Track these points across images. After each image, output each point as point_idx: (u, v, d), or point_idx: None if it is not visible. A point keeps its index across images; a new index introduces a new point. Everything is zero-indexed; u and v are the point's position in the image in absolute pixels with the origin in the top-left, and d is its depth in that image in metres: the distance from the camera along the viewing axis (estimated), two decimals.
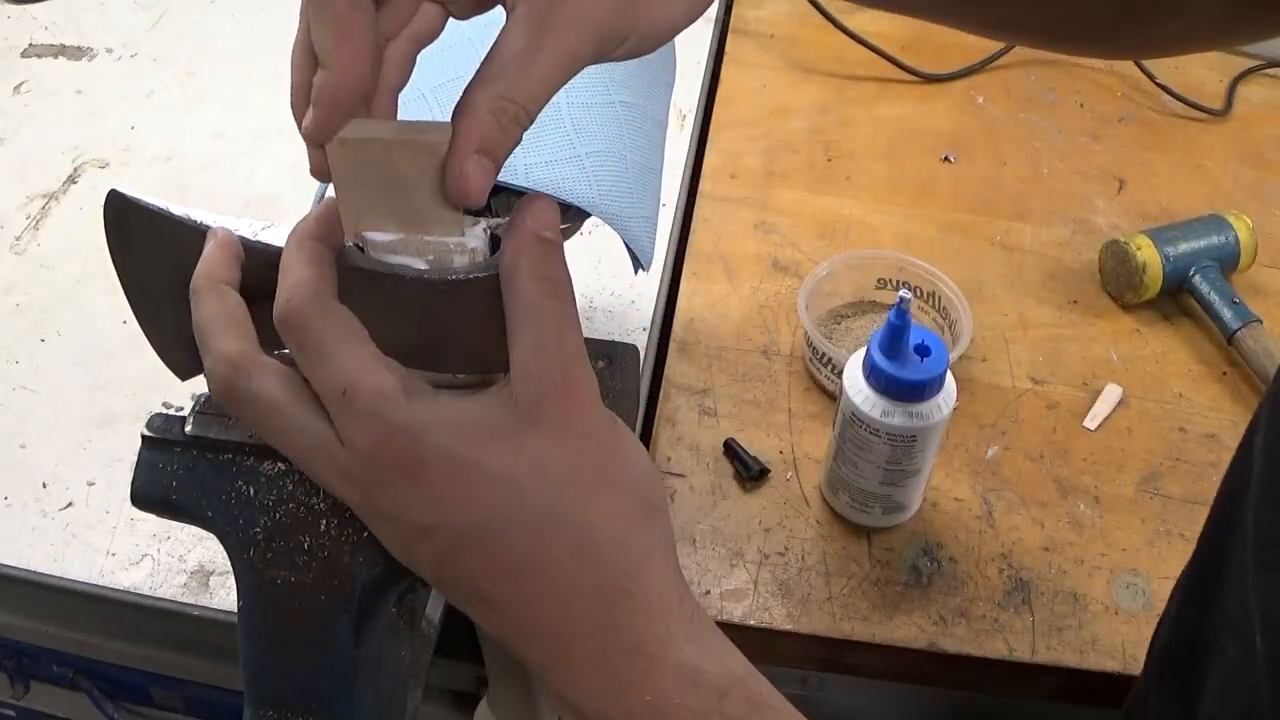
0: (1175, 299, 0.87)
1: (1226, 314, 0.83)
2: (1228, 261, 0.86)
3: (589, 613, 0.39)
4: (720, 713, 0.38)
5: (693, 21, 0.40)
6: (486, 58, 0.37)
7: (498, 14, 0.63)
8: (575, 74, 0.38)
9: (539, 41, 0.37)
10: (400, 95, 0.58)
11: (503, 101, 0.36)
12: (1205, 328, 0.86)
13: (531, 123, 0.38)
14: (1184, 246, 0.85)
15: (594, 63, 0.38)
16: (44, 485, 0.73)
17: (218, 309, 0.41)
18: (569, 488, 0.38)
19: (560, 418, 0.38)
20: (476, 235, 0.41)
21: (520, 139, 0.38)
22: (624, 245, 0.59)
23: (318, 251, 0.40)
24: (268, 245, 0.45)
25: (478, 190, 0.37)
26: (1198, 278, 0.85)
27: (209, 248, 0.42)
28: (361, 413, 0.38)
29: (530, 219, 0.40)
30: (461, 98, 0.37)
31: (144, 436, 0.50)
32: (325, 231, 0.41)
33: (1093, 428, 0.79)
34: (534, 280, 0.39)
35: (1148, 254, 0.84)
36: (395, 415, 0.38)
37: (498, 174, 0.38)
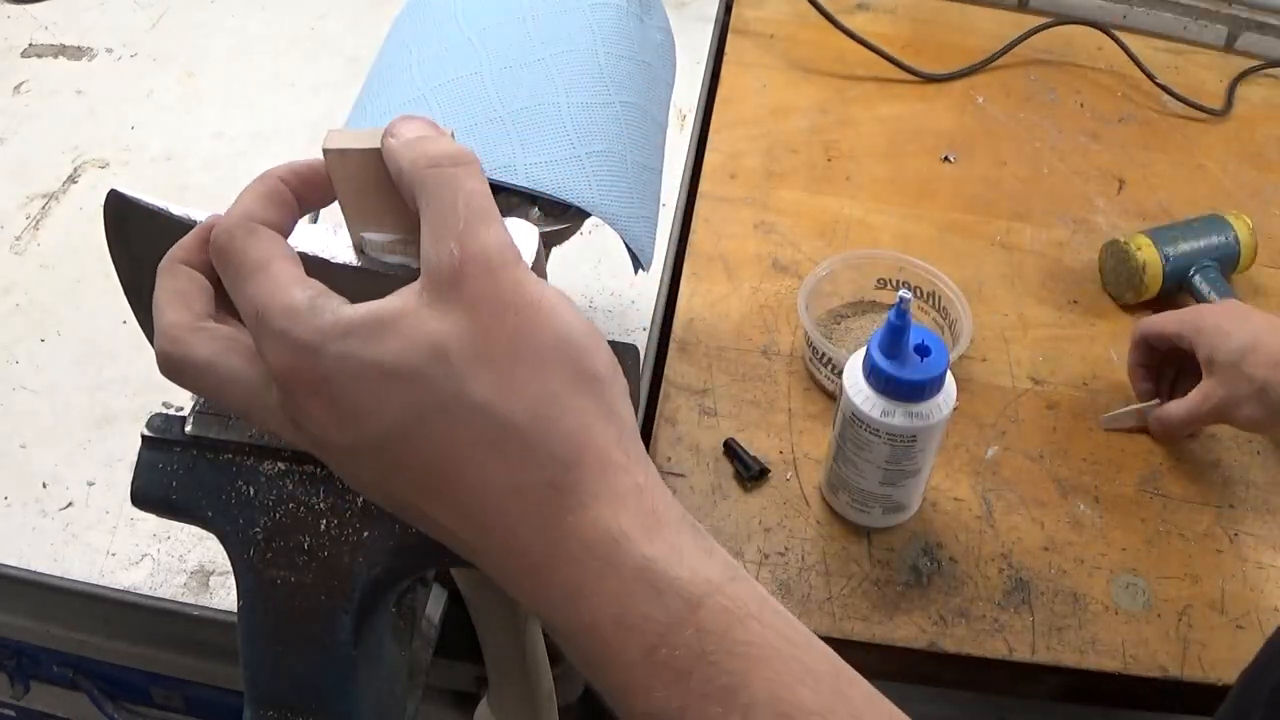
0: (1175, 299, 0.87)
1: None
2: (1228, 261, 0.86)
3: (523, 514, 0.34)
4: (695, 625, 0.33)
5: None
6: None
7: (499, 17, 0.63)
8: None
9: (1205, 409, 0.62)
10: (399, 96, 0.58)
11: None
12: None
13: None
14: (1184, 246, 0.85)
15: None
16: (44, 485, 0.73)
17: (166, 286, 0.39)
18: (476, 369, 0.34)
19: (463, 295, 0.34)
20: None
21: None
22: (624, 245, 0.59)
23: (272, 187, 0.39)
24: None
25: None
26: (1198, 277, 0.85)
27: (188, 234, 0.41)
28: (271, 333, 0.35)
29: (401, 129, 0.37)
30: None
31: (144, 436, 0.50)
32: (296, 181, 0.39)
33: (1106, 427, 0.79)
34: (418, 162, 0.36)
35: (1148, 254, 0.84)
36: (299, 331, 0.35)
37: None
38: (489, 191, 0.36)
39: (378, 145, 0.38)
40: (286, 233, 0.39)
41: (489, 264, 0.34)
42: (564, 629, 0.35)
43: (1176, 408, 0.75)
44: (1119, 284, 0.87)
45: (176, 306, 0.38)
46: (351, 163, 0.39)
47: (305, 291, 0.36)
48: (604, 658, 0.34)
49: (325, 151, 0.39)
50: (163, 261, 0.40)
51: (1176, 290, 0.86)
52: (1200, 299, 0.85)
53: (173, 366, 0.38)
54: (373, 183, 0.39)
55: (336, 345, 0.34)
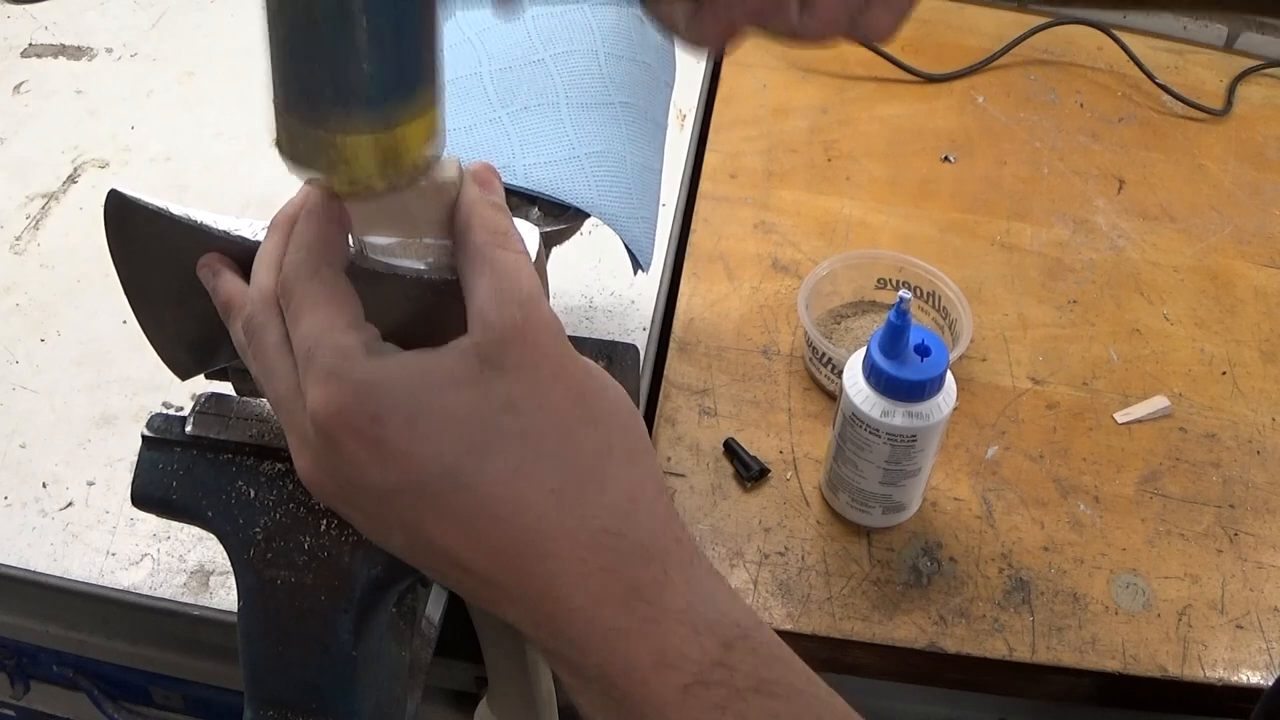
0: None
1: None
2: None
3: (576, 558, 0.36)
4: (725, 664, 0.36)
5: None
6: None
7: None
8: None
9: None
10: None
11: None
12: None
13: None
14: None
15: None
16: (44, 485, 0.73)
17: (272, 245, 0.41)
18: (541, 420, 0.36)
19: (527, 359, 0.36)
20: None
21: None
22: (624, 246, 0.59)
23: (329, 222, 0.40)
24: None
25: None
26: None
27: (299, 192, 0.42)
28: (319, 371, 0.36)
29: (478, 183, 0.40)
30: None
31: (144, 436, 0.50)
32: (337, 212, 0.41)
33: (1121, 422, 0.79)
34: (484, 233, 0.38)
35: None
36: (352, 373, 0.36)
37: None
38: (535, 273, 0.39)
39: None
40: (345, 251, 0.41)
41: (551, 329, 0.37)
42: (595, 670, 0.36)
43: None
44: None
45: (275, 273, 0.40)
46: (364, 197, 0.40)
47: (360, 334, 0.37)
48: (638, 695, 0.36)
49: None
50: (280, 216, 0.42)
51: None
52: None
53: (251, 328, 0.40)
54: (381, 204, 0.40)
55: (398, 389, 0.36)
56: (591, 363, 0.39)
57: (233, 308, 0.43)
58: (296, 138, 0.36)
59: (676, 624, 0.36)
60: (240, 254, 0.44)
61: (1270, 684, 0.53)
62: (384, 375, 0.36)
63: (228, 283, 0.44)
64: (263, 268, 0.41)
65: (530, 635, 0.38)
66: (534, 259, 0.42)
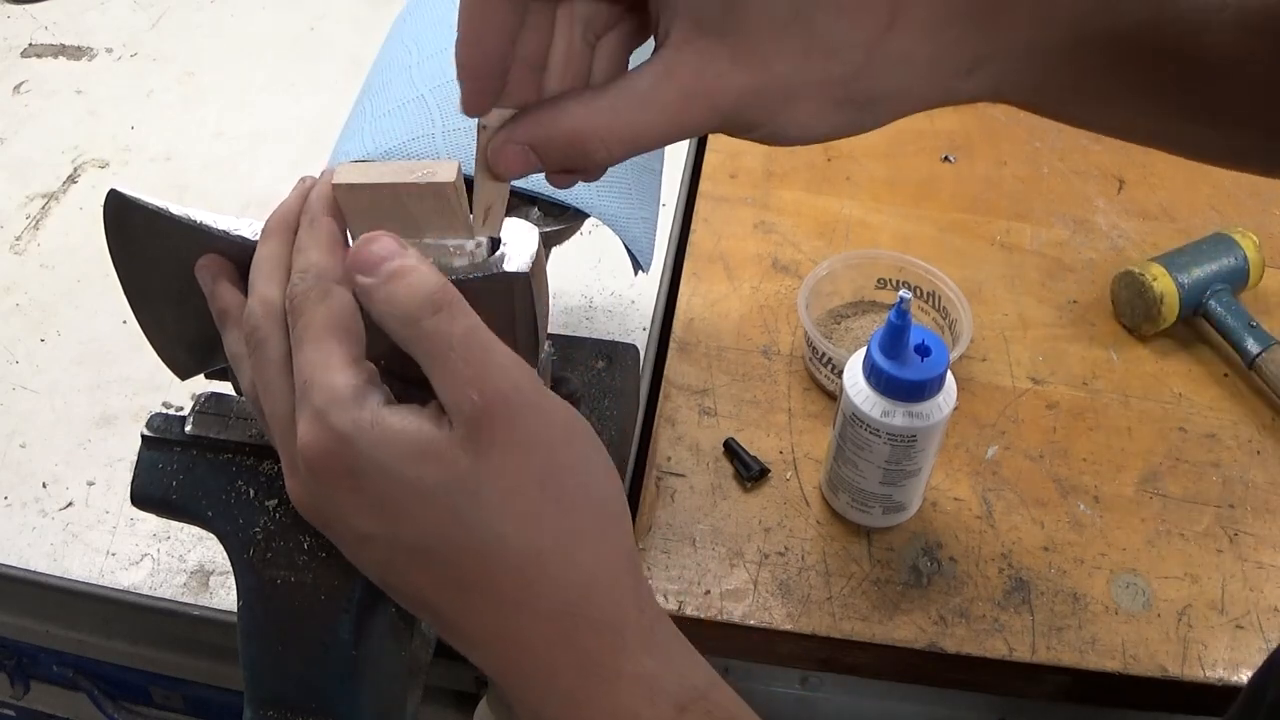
0: (1190, 324, 0.85)
1: (1248, 341, 0.80)
2: (1238, 281, 0.83)
3: (537, 631, 0.38)
4: None
5: (837, 137, 0.38)
6: (612, 80, 0.37)
7: None
8: (680, 140, 0.37)
9: (666, 98, 0.35)
10: (399, 96, 0.58)
11: (589, 133, 0.36)
12: (1221, 351, 0.84)
13: (599, 171, 0.38)
14: (1197, 272, 0.82)
15: (711, 133, 0.37)
16: (44, 485, 0.73)
17: (270, 251, 0.41)
18: (508, 511, 0.37)
19: (494, 437, 0.36)
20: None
21: (579, 174, 0.39)
22: (624, 246, 0.59)
23: (333, 234, 0.41)
24: None
25: (504, 169, 0.38)
26: (1212, 302, 0.82)
27: (292, 194, 0.42)
28: (309, 410, 0.37)
29: (364, 262, 0.38)
30: (560, 98, 0.37)
31: (144, 436, 0.50)
32: (336, 211, 0.41)
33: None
34: (402, 325, 0.37)
35: (1164, 284, 0.81)
36: (335, 420, 0.37)
37: (529, 172, 0.38)
38: (477, 321, 0.37)
39: (381, 181, 0.40)
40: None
41: (509, 405, 0.36)
42: None
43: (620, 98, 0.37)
44: (1135, 316, 0.84)
45: (280, 281, 0.41)
46: (359, 196, 0.41)
47: (353, 377, 0.37)
48: None
49: (334, 186, 0.41)
50: (274, 221, 0.42)
51: (1191, 316, 0.83)
52: (1218, 325, 0.82)
53: (258, 339, 0.40)
54: (377, 210, 0.41)
55: (372, 450, 0.36)
56: (571, 416, 0.39)
57: (229, 317, 0.43)
58: None
59: (631, 689, 0.37)
60: (240, 254, 0.44)
61: (1247, 681, 0.54)
62: (363, 433, 0.36)
63: (225, 291, 0.44)
64: (262, 276, 0.41)
65: (503, 689, 0.40)
66: (534, 259, 0.42)
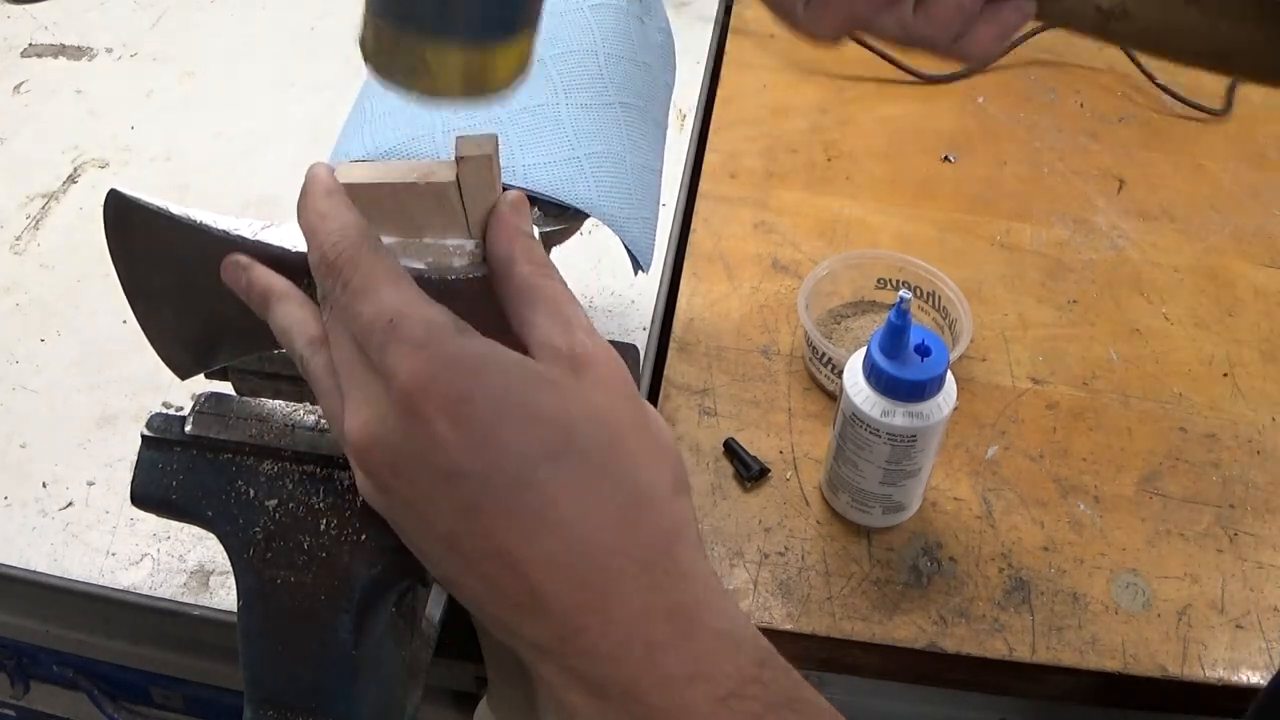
0: None
1: None
2: None
3: (629, 574, 0.37)
4: (759, 680, 0.37)
5: None
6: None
7: None
8: None
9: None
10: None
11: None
12: None
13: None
14: None
15: None
16: (44, 485, 0.73)
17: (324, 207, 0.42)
18: (620, 444, 0.38)
19: (600, 377, 0.38)
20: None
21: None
22: (624, 246, 0.59)
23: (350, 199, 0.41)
24: (267, 245, 0.45)
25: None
26: None
27: (318, 169, 0.43)
28: (409, 341, 0.36)
29: (512, 212, 0.41)
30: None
31: (144, 436, 0.50)
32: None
33: None
34: (530, 265, 0.40)
35: None
36: (445, 347, 0.37)
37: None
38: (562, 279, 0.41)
39: (381, 181, 0.41)
40: None
41: (611, 355, 0.39)
42: (626, 683, 0.36)
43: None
44: None
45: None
46: (359, 196, 0.41)
47: (444, 312, 0.38)
48: (670, 707, 0.36)
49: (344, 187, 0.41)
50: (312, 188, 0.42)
51: None
52: None
53: (277, 315, 0.42)
54: (381, 207, 0.41)
55: (493, 374, 0.37)
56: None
57: (272, 294, 0.43)
58: (384, 42, 0.36)
59: (713, 641, 0.37)
60: (241, 254, 0.44)
61: (1268, 683, 0.53)
62: (478, 357, 0.37)
63: (263, 273, 0.44)
64: (320, 219, 0.41)
65: (543, 652, 0.37)
66: None
